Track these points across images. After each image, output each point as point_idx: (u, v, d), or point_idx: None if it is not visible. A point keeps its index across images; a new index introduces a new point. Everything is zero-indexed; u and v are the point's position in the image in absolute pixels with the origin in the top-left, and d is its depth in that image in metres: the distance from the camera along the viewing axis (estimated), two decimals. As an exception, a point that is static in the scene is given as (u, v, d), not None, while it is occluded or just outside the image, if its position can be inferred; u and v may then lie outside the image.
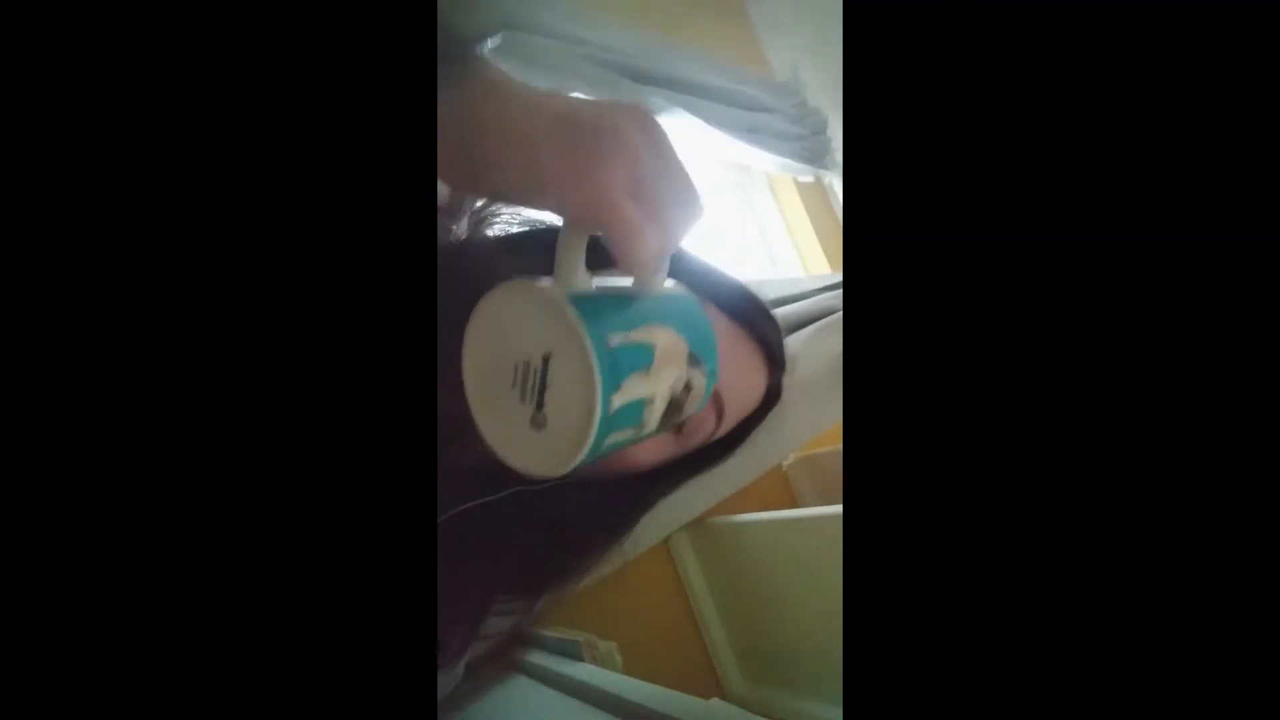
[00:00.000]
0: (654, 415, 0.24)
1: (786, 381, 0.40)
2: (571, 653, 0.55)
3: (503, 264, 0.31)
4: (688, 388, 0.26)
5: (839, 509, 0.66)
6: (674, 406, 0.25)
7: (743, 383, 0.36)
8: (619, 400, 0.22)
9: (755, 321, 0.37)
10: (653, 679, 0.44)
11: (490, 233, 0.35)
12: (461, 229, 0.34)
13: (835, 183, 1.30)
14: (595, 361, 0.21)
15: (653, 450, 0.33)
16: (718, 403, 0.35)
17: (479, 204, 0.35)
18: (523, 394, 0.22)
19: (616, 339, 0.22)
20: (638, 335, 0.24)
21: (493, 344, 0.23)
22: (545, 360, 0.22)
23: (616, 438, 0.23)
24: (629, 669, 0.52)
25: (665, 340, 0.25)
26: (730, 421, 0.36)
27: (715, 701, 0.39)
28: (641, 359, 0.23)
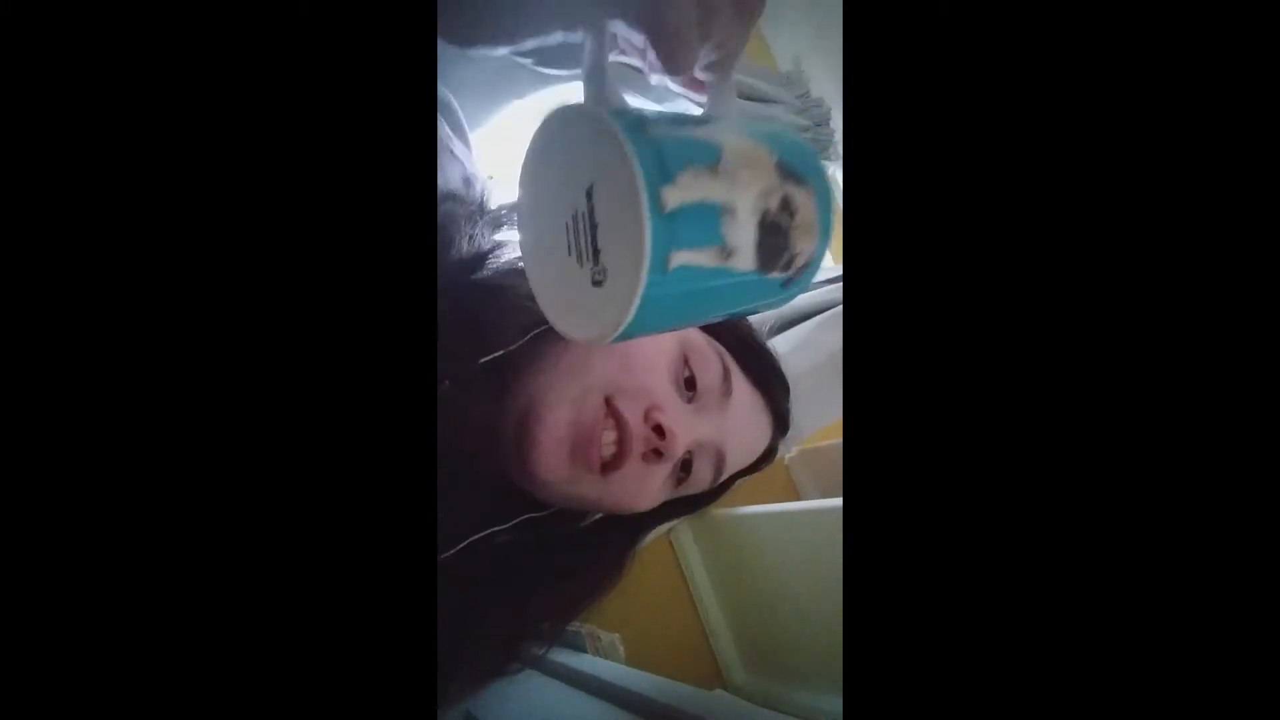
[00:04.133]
0: (741, 233, 0.19)
1: (782, 447, 0.41)
2: (575, 644, 0.55)
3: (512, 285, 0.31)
4: (787, 207, 0.20)
5: (839, 502, 0.66)
6: (772, 228, 0.20)
7: (748, 442, 0.37)
8: (676, 196, 0.17)
9: (769, 382, 0.38)
10: (656, 670, 0.44)
11: (503, 234, 0.34)
12: (478, 233, 0.33)
13: (840, 174, 1.29)
14: (625, 137, 0.17)
15: (652, 495, 0.33)
16: (718, 461, 0.35)
17: (492, 207, 0.34)
18: (580, 255, 0.19)
19: (659, 130, 0.18)
20: (692, 132, 0.19)
21: (542, 209, 0.20)
22: (589, 196, 0.18)
23: (691, 257, 0.18)
24: (632, 660, 0.53)
25: (737, 143, 0.19)
26: (726, 474, 0.37)
27: (718, 692, 0.39)
28: (701, 152, 0.18)
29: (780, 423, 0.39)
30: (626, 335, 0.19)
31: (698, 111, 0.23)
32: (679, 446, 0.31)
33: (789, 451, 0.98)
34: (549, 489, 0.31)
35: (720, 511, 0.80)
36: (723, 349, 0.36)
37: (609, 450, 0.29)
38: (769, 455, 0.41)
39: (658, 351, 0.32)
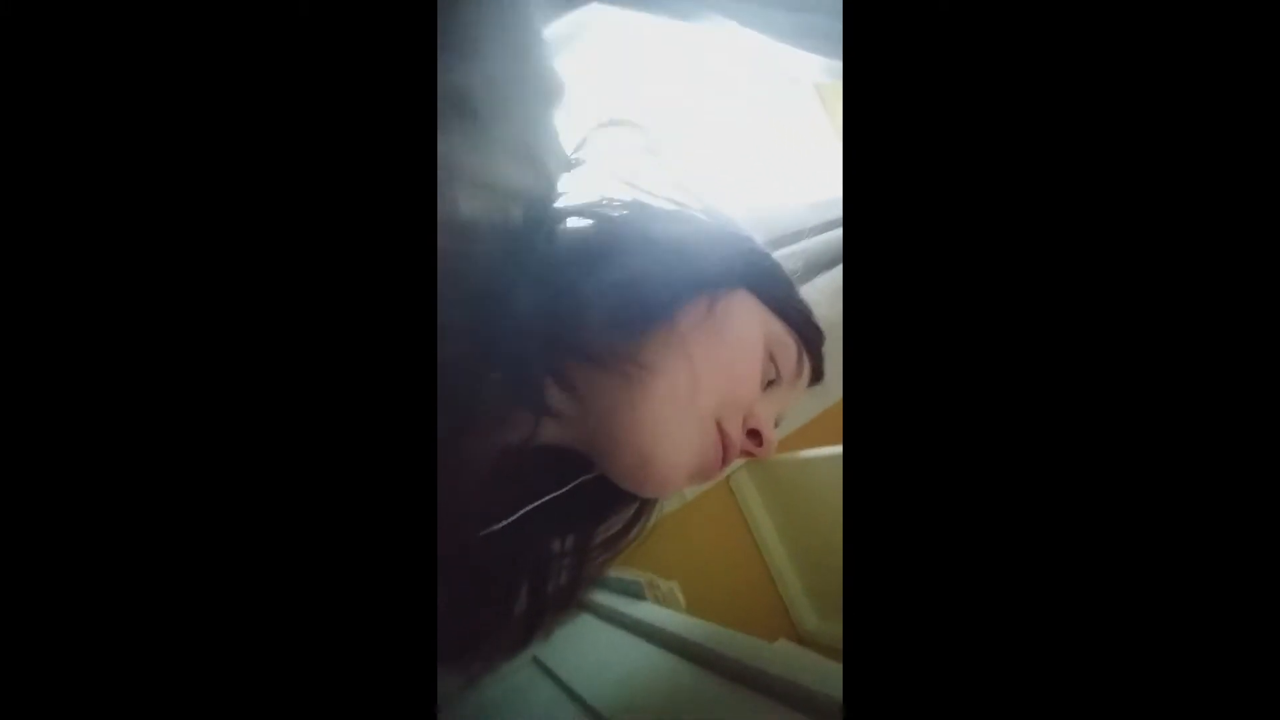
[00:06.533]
0: None
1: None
2: (633, 592, 0.55)
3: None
4: None
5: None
6: None
7: (798, 401, 0.38)
8: None
9: (816, 344, 0.37)
10: (717, 618, 0.43)
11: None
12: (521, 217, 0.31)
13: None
14: None
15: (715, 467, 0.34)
16: (779, 420, 0.35)
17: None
18: None
19: None
20: None
21: None
22: None
23: None
24: (692, 608, 0.52)
25: None
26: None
27: (781, 643, 0.37)
28: None
29: (817, 375, 0.39)
30: None
31: None
32: (772, 446, 0.33)
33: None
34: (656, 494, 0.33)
35: (782, 455, 0.77)
36: (798, 335, 0.35)
37: (719, 470, 0.32)
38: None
39: (752, 354, 0.32)
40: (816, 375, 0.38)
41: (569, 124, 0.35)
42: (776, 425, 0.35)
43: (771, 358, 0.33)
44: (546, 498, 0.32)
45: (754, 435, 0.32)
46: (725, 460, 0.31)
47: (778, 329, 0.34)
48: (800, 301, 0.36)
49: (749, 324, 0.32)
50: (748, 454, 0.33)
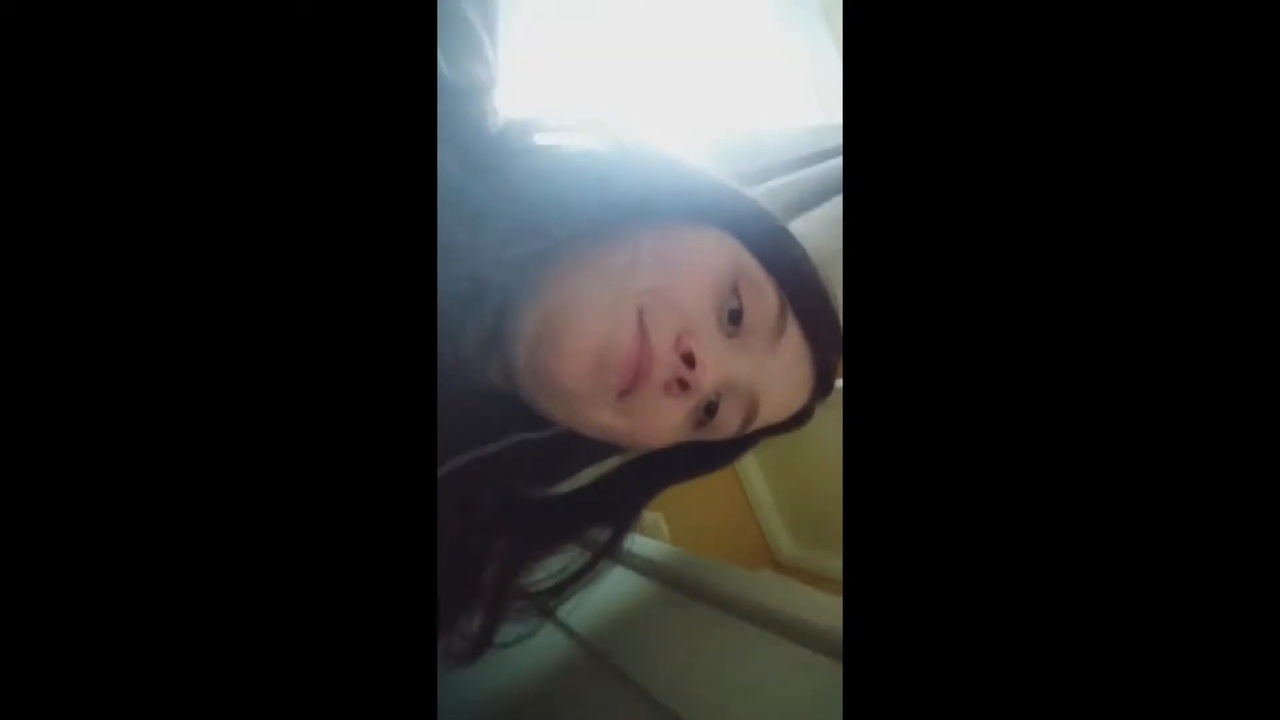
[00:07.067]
0: None
1: (818, 409, 0.36)
2: (618, 523, 0.56)
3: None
4: None
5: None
6: None
7: (786, 396, 0.33)
8: None
9: (822, 334, 0.33)
10: (700, 549, 0.44)
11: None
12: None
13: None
14: None
15: (668, 431, 0.30)
16: (749, 409, 0.31)
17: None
18: None
19: None
20: None
21: None
22: None
23: None
24: (675, 539, 0.53)
25: None
26: (754, 426, 0.33)
27: (764, 573, 0.37)
28: None
29: (824, 382, 0.34)
30: None
31: None
32: (708, 380, 0.28)
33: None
34: (563, 401, 0.29)
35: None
36: (780, 285, 0.31)
37: (630, 372, 0.27)
38: (803, 416, 0.35)
39: (706, 270, 0.29)
40: (823, 382, 0.34)
41: (557, 51, 0.33)
42: (754, 410, 0.31)
43: (737, 291, 0.29)
44: (472, 454, 0.30)
45: (687, 360, 0.27)
46: (640, 367, 0.26)
47: (756, 271, 0.30)
48: (792, 249, 0.32)
49: (716, 245, 0.29)
50: (681, 382, 0.28)
